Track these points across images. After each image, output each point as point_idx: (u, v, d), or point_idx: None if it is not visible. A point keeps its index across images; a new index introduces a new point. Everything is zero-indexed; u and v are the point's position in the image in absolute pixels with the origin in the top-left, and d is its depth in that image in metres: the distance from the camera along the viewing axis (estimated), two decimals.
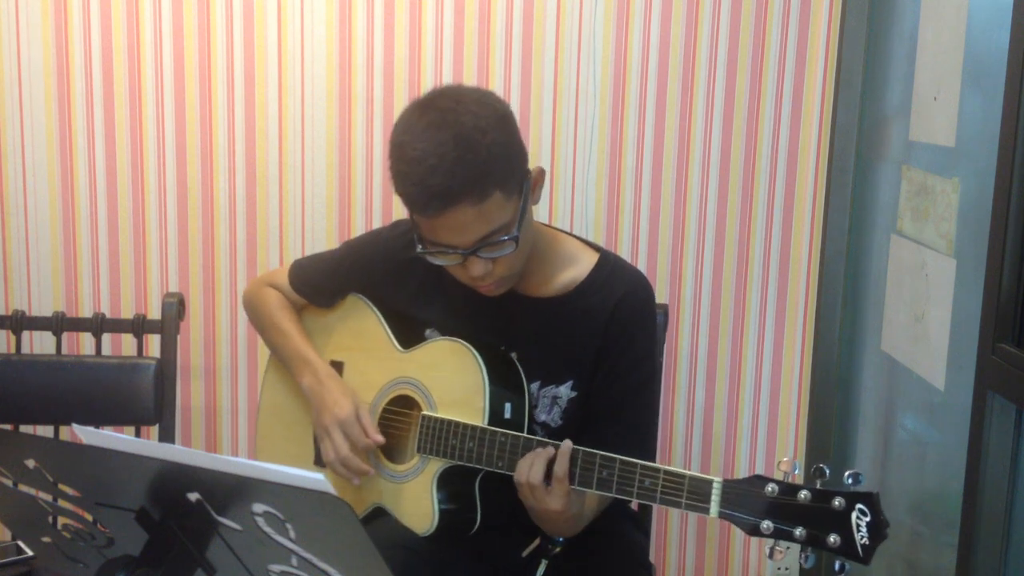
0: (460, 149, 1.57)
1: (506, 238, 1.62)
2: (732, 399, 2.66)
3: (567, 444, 1.57)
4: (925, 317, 2.20)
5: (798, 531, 1.40)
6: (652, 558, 2.07)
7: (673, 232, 2.58)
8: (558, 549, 1.75)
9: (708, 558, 2.72)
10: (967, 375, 1.95)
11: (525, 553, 1.78)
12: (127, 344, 2.50)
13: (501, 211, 1.62)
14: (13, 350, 2.17)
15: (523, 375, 1.74)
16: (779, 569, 2.70)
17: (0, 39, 2.42)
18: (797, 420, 2.67)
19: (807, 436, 2.67)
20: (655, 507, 2.24)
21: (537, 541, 1.77)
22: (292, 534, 1.07)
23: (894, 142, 2.41)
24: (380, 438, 1.76)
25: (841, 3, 2.50)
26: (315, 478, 1.01)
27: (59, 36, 2.42)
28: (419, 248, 1.67)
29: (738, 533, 2.71)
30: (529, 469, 1.58)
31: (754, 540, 2.71)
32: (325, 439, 1.78)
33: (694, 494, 1.48)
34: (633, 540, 1.91)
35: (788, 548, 1.46)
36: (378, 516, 1.80)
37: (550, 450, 1.59)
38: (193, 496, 1.08)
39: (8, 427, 2.08)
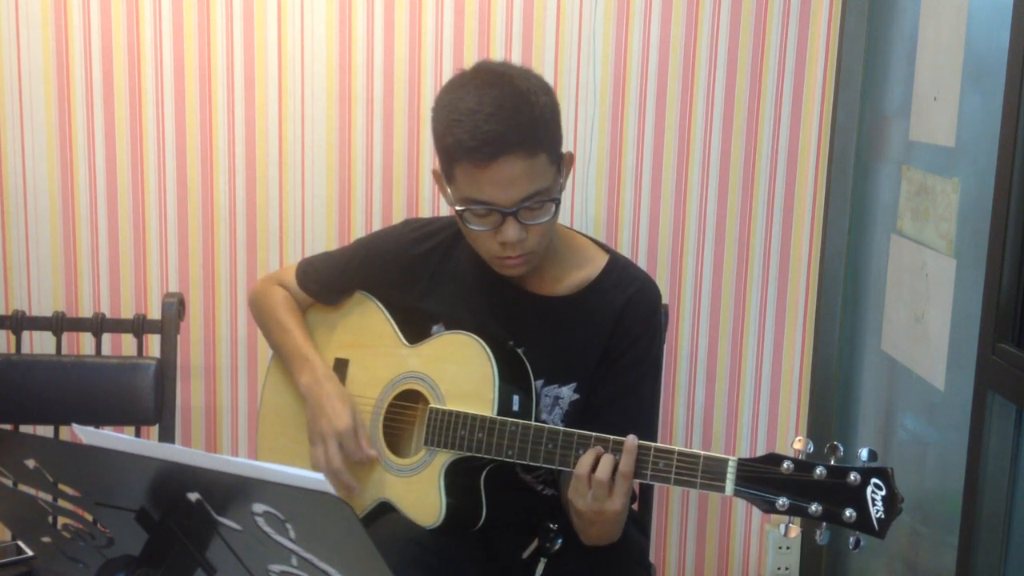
0: (516, 102, 1.61)
1: (548, 200, 1.64)
2: (732, 399, 2.66)
3: (632, 440, 1.55)
4: (925, 317, 2.20)
5: (813, 507, 1.41)
6: (652, 558, 2.07)
7: (673, 232, 2.58)
8: (556, 547, 1.75)
9: (708, 558, 2.72)
10: (967, 375, 1.95)
11: (525, 555, 1.78)
12: (127, 344, 2.50)
13: (545, 173, 1.64)
14: (13, 350, 2.17)
15: (530, 369, 1.74)
16: (779, 568, 2.70)
17: (0, 39, 2.42)
18: (797, 420, 2.67)
19: (807, 436, 2.66)
20: (655, 506, 2.25)
21: (536, 542, 1.77)
22: (292, 534, 1.07)
23: (894, 142, 2.41)
24: (374, 453, 1.77)
25: (841, 3, 2.50)
26: (315, 478, 1.01)
27: (59, 36, 2.42)
28: (457, 208, 1.67)
29: (738, 532, 2.71)
30: (593, 466, 1.55)
31: (754, 539, 2.72)
32: (319, 445, 1.79)
33: (709, 473, 1.49)
34: (633, 540, 1.91)
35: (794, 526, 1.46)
36: (383, 511, 1.80)
37: (600, 449, 1.57)
38: (193, 496, 1.08)
39: (8, 427, 2.08)
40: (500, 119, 1.59)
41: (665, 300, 2.57)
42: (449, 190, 1.69)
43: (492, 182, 1.60)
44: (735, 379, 2.65)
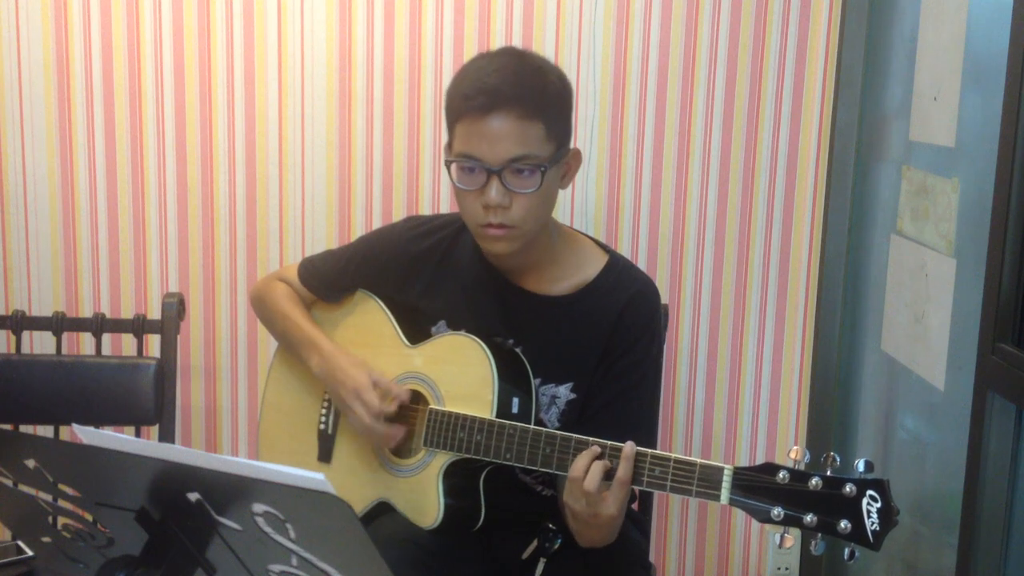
0: (523, 68, 1.68)
1: (535, 168, 1.65)
2: (732, 399, 2.66)
3: (630, 447, 1.54)
4: (925, 317, 2.20)
5: (808, 517, 1.41)
6: (652, 558, 2.07)
7: (673, 232, 2.58)
8: (556, 547, 1.75)
9: (708, 558, 2.72)
10: (967, 375, 1.95)
11: (525, 556, 1.78)
12: (127, 344, 2.50)
13: (538, 144, 1.66)
14: (13, 350, 2.17)
15: (530, 371, 1.74)
16: (779, 569, 2.70)
17: (0, 39, 2.42)
18: (797, 420, 2.67)
19: (807, 436, 2.67)
20: (655, 507, 2.25)
21: (536, 542, 1.77)
22: (292, 534, 1.07)
23: (894, 142, 2.41)
24: (393, 402, 1.75)
25: (841, 3, 2.50)
26: (315, 478, 1.01)
27: (59, 36, 2.42)
28: (446, 158, 1.71)
29: (738, 533, 2.71)
30: (586, 473, 1.54)
31: (754, 540, 2.72)
32: (350, 414, 1.78)
33: (704, 482, 1.48)
34: (633, 540, 1.91)
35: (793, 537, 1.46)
36: (382, 511, 1.80)
37: (596, 449, 1.56)
38: (193, 496, 1.08)
39: (8, 427, 2.07)
40: (502, 76, 1.65)
41: (665, 300, 2.57)
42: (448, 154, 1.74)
43: (482, 135, 1.64)
44: (735, 379, 2.65)
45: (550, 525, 1.76)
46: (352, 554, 1.07)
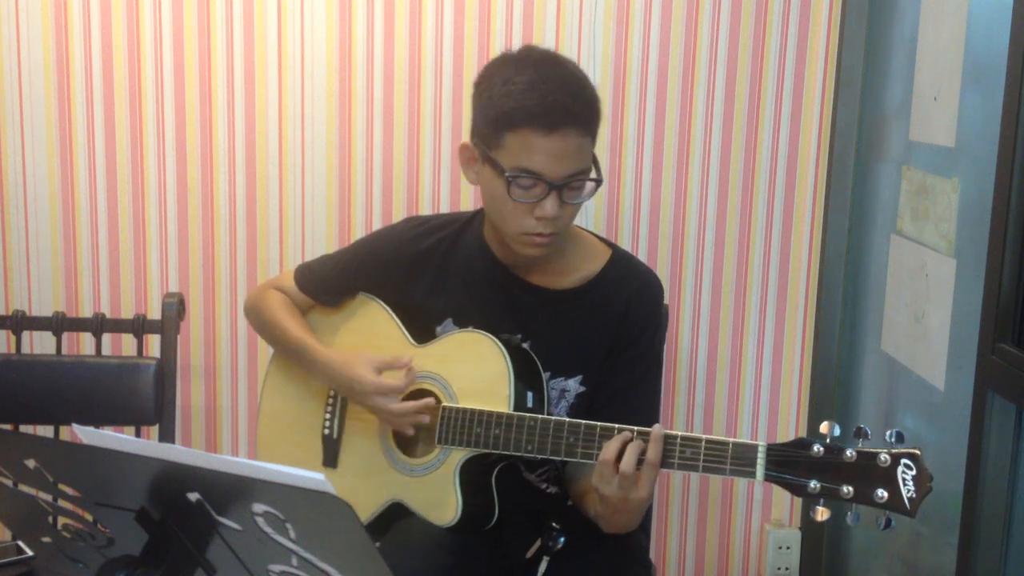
0: (579, 81, 1.68)
1: (591, 179, 1.68)
2: (732, 399, 2.66)
3: (659, 430, 1.54)
4: (925, 317, 2.20)
5: (845, 489, 1.43)
6: (652, 557, 2.07)
7: (673, 232, 2.58)
8: (559, 546, 1.75)
9: (708, 557, 2.72)
10: (967, 375, 1.95)
11: (529, 555, 1.78)
12: (127, 344, 2.50)
13: (589, 156, 1.68)
14: (13, 350, 2.17)
15: (540, 366, 1.74)
16: (779, 569, 2.70)
17: (0, 39, 2.42)
18: (797, 420, 2.67)
19: (807, 436, 2.66)
20: (655, 507, 2.25)
21: (539, 542, 1.77)
22: (292, 534, 1.07)
23: (894, 142, 2.42)
24: (407, 361, 1.75)
25: (841, 3, 2.50)
26: (315, 478, 1.01)
27: (59, 36, 2.42)
28: (506, 175, 1.65)
29: (738, 532, 2.71)
30: (619, 456, 1.54)
31: (754, 540, 2.72)
32: (379, 414, 1.77)
33: (739, 459, 1.49)
34: (633, 539, 1.91)
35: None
36: (395, 513, 1.79)
37: (627, 434, 1.56)
38: (193, 496, 1.08)
39: (8, 427, 2.07)
40: (567, 92, 1.64)
41: (665, 300, 2.57)
42: (492, 159, 1.67)
43: (548, 152, 1.62)
44: (735, 379, 2.65)
45: (554, 524, 1.76)
46: (352, 554, 1.07)
